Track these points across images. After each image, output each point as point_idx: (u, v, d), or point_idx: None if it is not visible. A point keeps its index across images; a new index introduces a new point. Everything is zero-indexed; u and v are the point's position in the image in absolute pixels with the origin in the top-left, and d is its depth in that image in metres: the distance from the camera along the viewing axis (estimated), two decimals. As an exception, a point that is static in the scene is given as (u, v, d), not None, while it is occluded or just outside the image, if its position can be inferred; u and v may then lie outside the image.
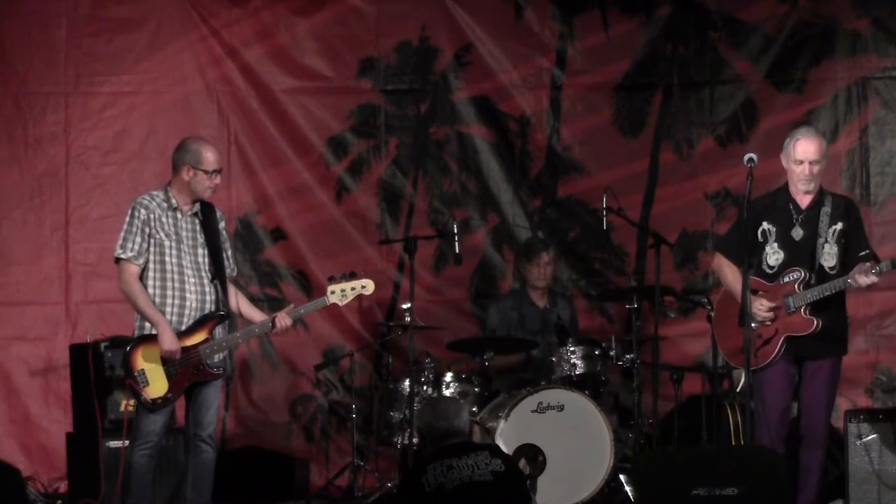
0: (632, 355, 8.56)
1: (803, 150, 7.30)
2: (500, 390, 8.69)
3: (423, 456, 6.46)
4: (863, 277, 7.11)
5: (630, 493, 8.25)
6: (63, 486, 8.97)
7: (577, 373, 8.55)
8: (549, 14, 9.83)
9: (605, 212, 8.72)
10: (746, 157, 7.08)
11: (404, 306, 8.61)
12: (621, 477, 8.37)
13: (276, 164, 9.72)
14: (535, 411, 8.21)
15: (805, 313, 7.24)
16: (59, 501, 8.81)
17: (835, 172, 9.67)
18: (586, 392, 8.36)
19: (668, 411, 8.93)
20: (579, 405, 8.25)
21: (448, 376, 8.66)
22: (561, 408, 8.23)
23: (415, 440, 8.34)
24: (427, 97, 9.84)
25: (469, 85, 9.84)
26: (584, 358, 8.57)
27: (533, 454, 8.01)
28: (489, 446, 6.51)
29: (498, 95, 9.84)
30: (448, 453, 6.21)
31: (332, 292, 7.33)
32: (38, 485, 9.07)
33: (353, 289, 7.35)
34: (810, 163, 7.29)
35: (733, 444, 8.44)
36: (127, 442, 7.43)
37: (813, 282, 7.26)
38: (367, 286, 7.38)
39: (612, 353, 8.66)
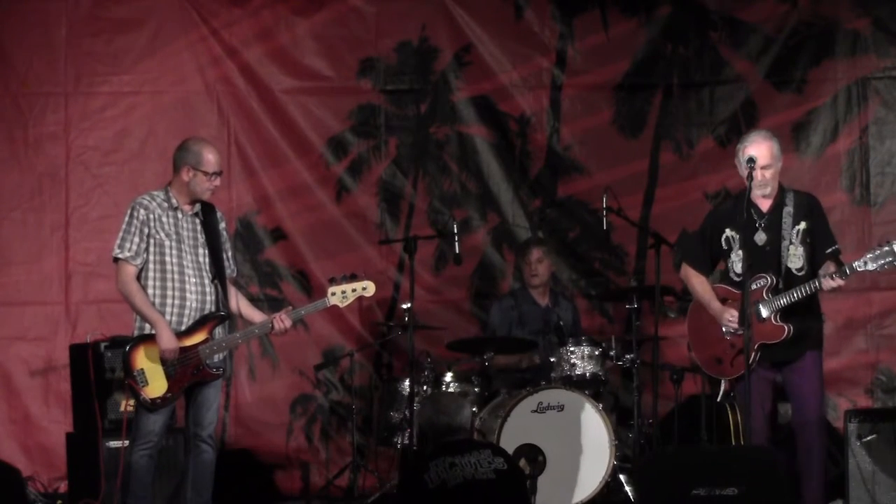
0: (632, 355, 8.56)
1: (750, 156, 7.18)
2: (500, 390, 8.69)
3: (424, 453, 6.43)
4: (828, 281, 7.02)
5: (630, 493, 8.25)
6: (63, 486, 8.98)
7: (577, 373, 8.54)
8: (549, 14, 9.83)
9: (605, 212, 8.72)
10: (746, 157, 7.07)
11: (404, 306, 8.62)
12: (621, 477, 8.37)
13: (276, 164, 9.72)
14: (535, 411, 8.21)
15: (776, 320, 7.15)
16: (59, 501, 8.81)
17: (835, 172, 9.68)
18: (586, 392, 8.36)
19: (668, 411, 8.93)
20: (579, 405, 8.26)
21: (448, 376, 8.67)
22: (561, 408, 8.23)
23: (415, 439, 8.34)
24: (427, 97, 9.85)
25: (469, 85, 9.84)
26: (584, 358, 8.57)
27: (533, 454, 8.00)
28: (491, 445, 6.49)
29: (498, 95, 9.84)
30: (450, 450, 6.17)
31: (333, 294, 7.33)
32: (38, 485, 9.08)
33: (353, 290, 7.34)
34: (761, 168, 7.17)
35: (733, 444, 8.44)
36: (127, 442, 7.43)
37: (781, 286, 7.16)
38: (368, 288, 7.37)
39: (612, 353, 8.66)
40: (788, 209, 7.23)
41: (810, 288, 7.08)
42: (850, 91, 9.73)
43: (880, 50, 9.71)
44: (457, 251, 8.61)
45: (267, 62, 9.69)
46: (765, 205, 7.28)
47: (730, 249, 7.29)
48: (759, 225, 7.25)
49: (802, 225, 7.22)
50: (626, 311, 9.05)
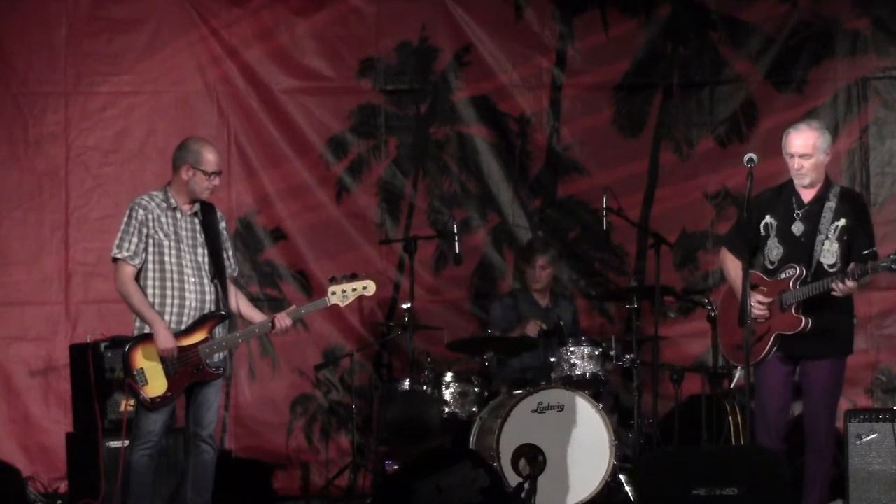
0: (632, 355, 8.56)
1: (791, 143, 7.16)
2: (501, 390, 8.69)
3: (403, 471, 6.24)
4: (839, 285, 6.91)
5: (630, 493, 8.25)
6: (63, 486, 8.97)
7: (577, 373, 8.54)
8: (549, 14, 9.83)
9: (605, 212, 8.72)
10: (746, 157, 7.03)
11: (404, 306, 8.62)
12: (621, 477, 8.36)
13: (276, 164, 9.72)
14: (535, 411, 8.21)
15: (796, 312, 7.07)
16: (59, 501, 8.81)
17: (835, 172, 9.65)
18: (586, 392, 8.36)
19: (668, 411, 8.93)
20: (579, 405, 8.25)
21: (448, 376, 8.66)
22: (561, 408, 8.23)
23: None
24: (427, 97, 9.85)
25: (469, 85, 9.84)
26: (584, 358, 8.57)
27: (533, 454, 8.00)
28: (467, 453, 6.33)
29: (498, 95, 9.84)
30: (430, 467, 6.00)
31: (333, 293, 7.32)
32: (38, 485, 9.07)
33: (354, 290, 7.34)
34: (799, 156, 7.12)
35: (733, 444, 8.43)
36: (127, 442, 7.43)
37: (809, 280, 7.08)
38: (369, 287, 7.37)
39: (612, 353, 8.66)
40: (830, 204, 7.14)
41: (824, 287, 6.98)
42: (850, 91, 9.73)
43: (880, 50, 9.71)
44: (457, 251, 8.62)
45: (267, 62, 9.69)
46: (807, 195, 7.20)
47: (767, 236, 7.22)
48: (798, 215, 7.18)
49: (842, 221, 7.12)
50: (626, 311, 9.05)
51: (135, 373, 7.07)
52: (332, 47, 9.74)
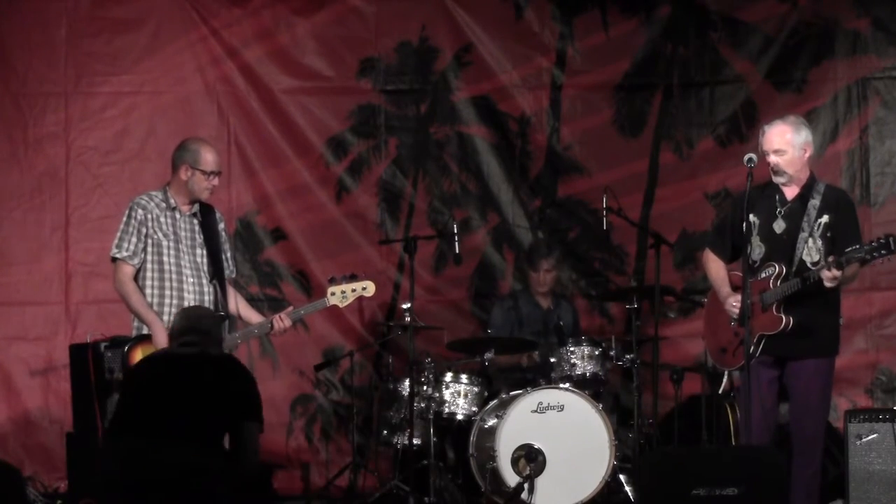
0: (632, 355, 8.55)
1: (765, 140, 7.11)
2: (500, 390, 8.69)
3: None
4: (825, 272, 6.78)
5: (630, 493, 8.25)
6: (63, 486, 8.98)
7: (576, 373, 8.54)
8: (549, 14, 9.83)
9: (605, 212, 8.72)
10: (746, 157, 7.01)
11: (404, 306, 8.61)
12: (621, 477, 8.36)
13: (276, 164, 9.72)
14: (535, 411, 8.20)
15: (777, 310, 6.94)
16: (59, 501, 8.80)
17: (835, 172, 9.68)
18: (586, 392, 8.36)
19: (668, 411, 8.93)
20: (579, 405, 8.25)
21: (448, 376, 8.66)
22: (561, 408, 8.23)
23: (415, 441, 8.33)
24: (427, 97, 9.85)
25: (469, 85, 9.84)
26: (584, 358, 8.57)
27: (533, 454, 8.00)
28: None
29: (498, 95, 9.84)
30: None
31: (333, 293, 7.33)
32: (38, 485, 9.07)
33: (353, 290, 7.34)
34: (773, 152, 7.05)
35: (733, 444, 8.43)
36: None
37: (791, 278, 6.96)
38: (368, 288, 7.38)
39: (612, 353, 8.66)
40: (814, 202, 7.06)
41: (809, 279, 6.87)
42: (850, 91, 9.73)
43: (880, 50, 9.71)
44: (457, 251, 8.62)
45: (267, 62, 9.69)
46: (790, 193, 7.13)
47: (750, 235, 7.11)
48: (780, 213, 7.10)
49: (825, 218, 7.03)
50: (626, 311, 9.05)
51: (134, 373, 7.06)
52: (332, 47, 9.74)
